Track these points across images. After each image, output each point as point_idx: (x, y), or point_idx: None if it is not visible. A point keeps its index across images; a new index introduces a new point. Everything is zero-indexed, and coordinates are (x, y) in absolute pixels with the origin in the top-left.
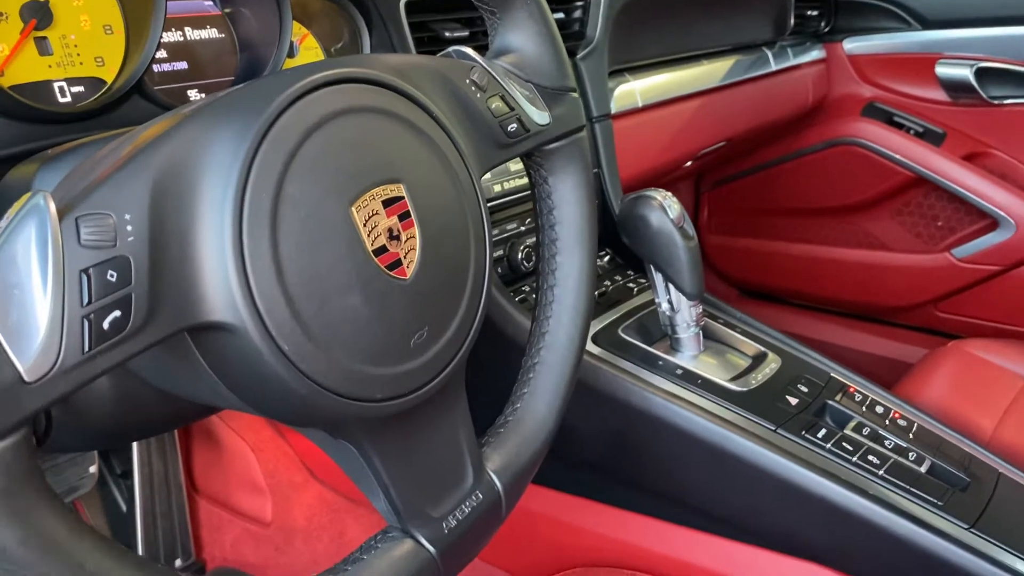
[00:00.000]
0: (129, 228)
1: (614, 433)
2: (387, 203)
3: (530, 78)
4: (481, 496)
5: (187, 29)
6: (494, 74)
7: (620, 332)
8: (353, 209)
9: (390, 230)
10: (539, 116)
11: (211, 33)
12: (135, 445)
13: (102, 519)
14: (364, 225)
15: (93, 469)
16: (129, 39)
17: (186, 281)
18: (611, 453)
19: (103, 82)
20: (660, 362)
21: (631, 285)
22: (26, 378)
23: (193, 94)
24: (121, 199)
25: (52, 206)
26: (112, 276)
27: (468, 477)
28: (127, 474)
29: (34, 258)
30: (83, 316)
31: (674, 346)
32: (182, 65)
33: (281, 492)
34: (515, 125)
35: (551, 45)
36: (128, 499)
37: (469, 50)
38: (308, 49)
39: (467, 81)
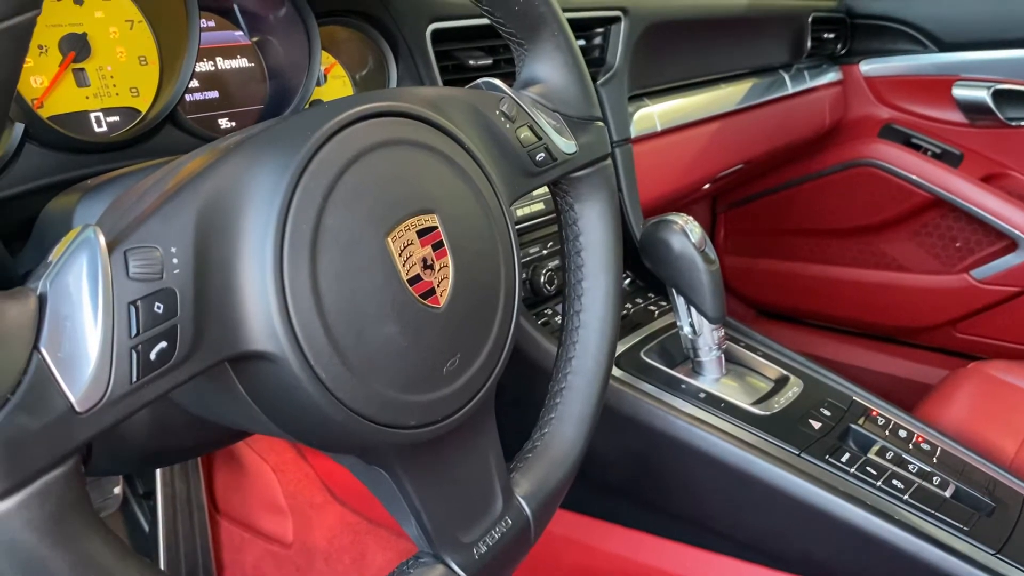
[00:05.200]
0: (175, 261)
1: (637, 456)
2: (421, 233)
3: (557, 108)
4: (510, 521)
5: (218, 59)
6: (522, 105)
7: (642, 355)
8: (389, 239)
9: (424, 260)
10: (566, 145)
11: (241, 63)
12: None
13: (125, 540)
14: (399, 255)
15: (117, 490)
16: (163, 70)
17: (228, 312)
18: (634, 476)
19: (138, 112)
20: (683, 385)
21: (652, 308)
22: (77, 408)
23: (224, 123)
24: (168, 233)
25: (102, 240)
26: (159, 308)
27: (498, 502)
28: (150, 495)
29: (85, 291)
30: (131, 347)
31: (696, 369)
32: (213, 94)
33: (302, 513)
34: (543, 154)
35: (577, 75)
36: (151, 520)
37: (498, 82)
38: (335, 78)
39: (497, 112)
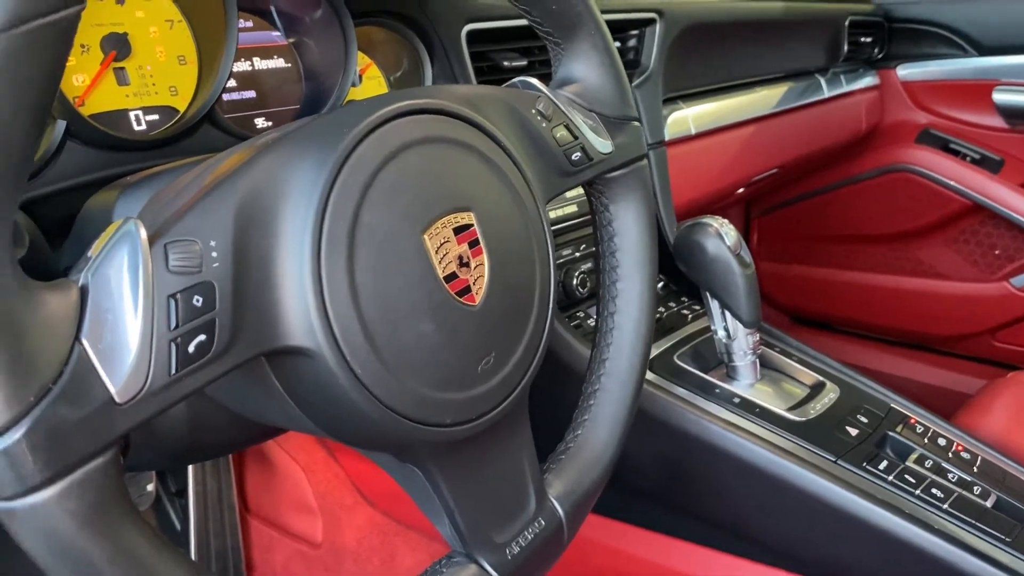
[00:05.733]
0: (214, 255)
1: (669, 460)
2: (458, 231)
3: (593, 107)
4: (543, 522)
5: (255, 59)
6: (559, 104)
7: (676, 359)
8: (425, 236)
9: (460, 257)
10: (602, 145)
11: (278, 63)
12: (190, 464)
13: None
14: (436, 252)
15: (150, 488)
16: (202, 69)
17: (266, 306)
18: (666, 481)
19: (176, 111)
20: (717, 390)
21: (686, 312)
22: (117, 399)
23: (260, 122)
24: (207, 226)
25: (143, 233)
26: (198, 301)
27: (531, 503)
28: (182, 493)
29: (126, 283)
30: (171, 340)
31: (730, 374)
32: (250, 94)
33: (332, 513)
34: (579, 154)
35: (614, 75)
36: (182, 518)
37: (535, 80)
38: (371, 79)
39: (533, 111)
